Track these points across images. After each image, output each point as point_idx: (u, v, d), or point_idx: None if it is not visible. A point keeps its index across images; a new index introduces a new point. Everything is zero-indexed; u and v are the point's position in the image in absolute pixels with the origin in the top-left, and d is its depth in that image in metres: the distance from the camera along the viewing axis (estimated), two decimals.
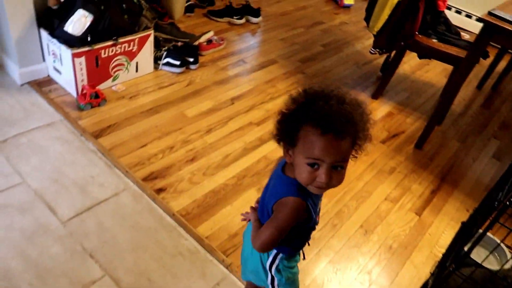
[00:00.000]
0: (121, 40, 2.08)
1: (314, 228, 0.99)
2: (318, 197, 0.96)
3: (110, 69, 2.13)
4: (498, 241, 1.51)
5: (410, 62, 3.10)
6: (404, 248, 1.69)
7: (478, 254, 1.45)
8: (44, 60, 2.13)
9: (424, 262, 1.64)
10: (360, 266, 1.57)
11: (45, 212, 1.51)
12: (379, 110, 2.50)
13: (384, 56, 2.83)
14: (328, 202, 1.80)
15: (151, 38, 2.25)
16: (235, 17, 3.10)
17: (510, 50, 2.98)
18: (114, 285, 1.33)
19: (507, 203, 0.93)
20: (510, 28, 1.72)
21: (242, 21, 3.12)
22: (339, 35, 3.29)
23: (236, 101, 2.30)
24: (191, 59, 2.45)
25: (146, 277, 1.38)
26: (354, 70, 2.85)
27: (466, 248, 1.37)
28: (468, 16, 3.73)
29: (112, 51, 2.08)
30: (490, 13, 1.80)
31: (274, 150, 2.01)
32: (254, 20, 3.16)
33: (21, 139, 1.79)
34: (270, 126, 2.14)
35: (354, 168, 2.01)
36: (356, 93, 2.61)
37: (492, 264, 1.54)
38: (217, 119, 2.14)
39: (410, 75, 2.96)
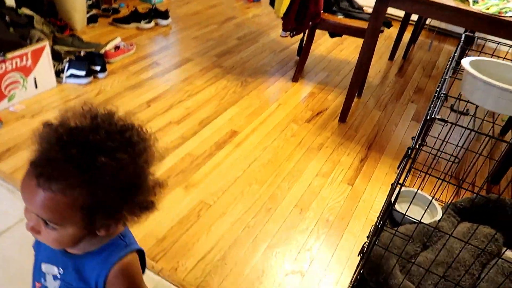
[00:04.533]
0: (9, 55, 1.88)
1: None
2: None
3: (3, 89, 1.92)
4: (429, 197, 1.54)
5: (325, 44, 3.16)
6: (341, 219, 1.67)
7: (412, 212, 1.46)
8: None
9: (361, 230, 1.64)
10: (299, 245, 1.52)
11: None
12: (301, 92, 2.51)
13: (298, 40, 2.86)
14: (260, 187, 1.74)
15: (47, 50, 2.06)
16: (143, 21, 2.97)
17: (410, 21, 3.15)
18: None
19: (416, 146, 0.92)
20: None
21: (151, 24, 3.00)
22: (252, 27, 3.28)
23: (153, 103, 2.18)
24: (98, 68, 2.29)
25: None
26: (272, 58, 2.84)
27: (399, 208, 1.38)
28: None
29: (1, 68, 1.87)
30: None
31: (198, 146, 1.92)
32: (163, 22, 3.06)
33: None
34: (191, 123, 2.07)
35: (283, 150, 1.98)
36: (276, 79, 2.60)
37: (426, 220, 1.57)
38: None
39: (326, 56, 3.01)
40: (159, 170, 1.79)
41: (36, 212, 0.59)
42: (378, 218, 1.43)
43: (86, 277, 0.67)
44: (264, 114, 2.23)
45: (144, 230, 1.47)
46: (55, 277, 0.70)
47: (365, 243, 1.40)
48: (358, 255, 1.35)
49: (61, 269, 0.69)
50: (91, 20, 2.91)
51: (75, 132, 0.58)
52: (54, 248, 0.65)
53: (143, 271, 0.72)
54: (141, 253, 0.71)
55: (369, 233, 1.44)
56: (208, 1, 3.65)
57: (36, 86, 2.07)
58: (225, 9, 3.57)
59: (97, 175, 0.56)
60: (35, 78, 2.05)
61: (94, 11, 2.97)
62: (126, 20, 2.96)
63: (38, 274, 0.73)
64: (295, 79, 2.60)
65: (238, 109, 2.24)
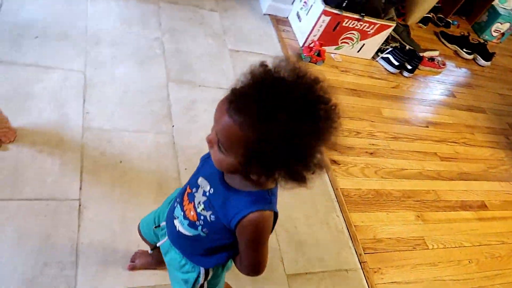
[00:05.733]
0: (366, 18, 2.15)
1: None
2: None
3: (339, 38, 2.23)
4: None
5: None
6: None
7: None
8: (292, 3, 2.32)
9: None
10: None
11: None
12: None
13: None
14: (477, 271, 1.67)
15: (390, 30, 2.27)
16: (464, 49, 2.93)
17: None
18: None
19: None
20: None
21: (470, 57, 2.94)
22: None
23: (431, 126, 2.22)
24: (409, 67, 2.42)
25: (292, 224, 1.48)
26: None
27: None
28: None
29: (353, 24, 2.16)
30: None
31: (445, 192, 1.91)
32: (482, 62, 2.95)
33: (248, 57, 2.01)
34: (452, 167, 2.06)
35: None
36: None
37: None
38: (407, 132, 2.10)
39: None
40: (402, 185, 1.85)
41: (217, 131, 0.66)
42: None
43: (227, 209, 0.73)
44: None
45: (369, 222, 1.61)
46: (204, 193, 0.78)
47: None
48: None
49: (212, 189, 0.77)
50: (423, 21, 3.01)
51: (276, 81, 0.61)
52: (215, 166, 0.70)
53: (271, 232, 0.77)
54: (275, 216, 0.75)
55: None
56: None
57: (358, 51, 2.33)
58: None
59: (270, 127, 0.59)
60: (363, 44, 2.30)
61: (430, 15, 3.05)
62: (451, 39, 2.96)
63: (194, 183, 0.81)
64: None
65: (500, 187, 2.10)
